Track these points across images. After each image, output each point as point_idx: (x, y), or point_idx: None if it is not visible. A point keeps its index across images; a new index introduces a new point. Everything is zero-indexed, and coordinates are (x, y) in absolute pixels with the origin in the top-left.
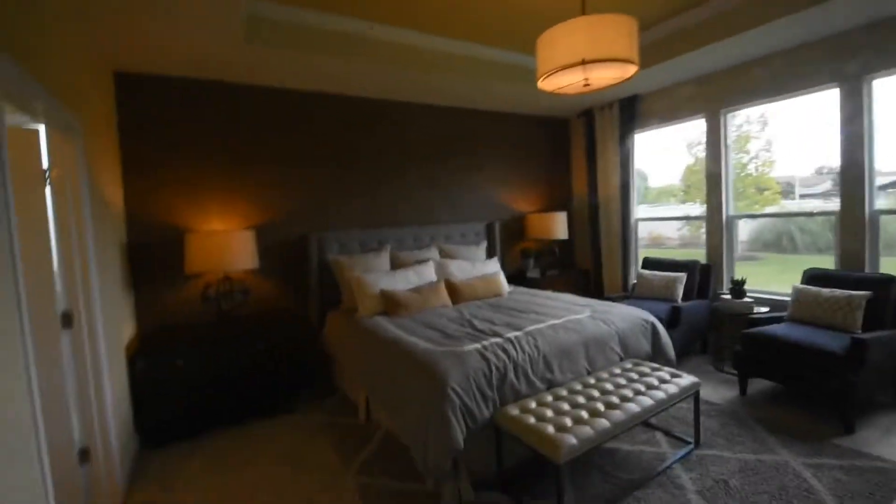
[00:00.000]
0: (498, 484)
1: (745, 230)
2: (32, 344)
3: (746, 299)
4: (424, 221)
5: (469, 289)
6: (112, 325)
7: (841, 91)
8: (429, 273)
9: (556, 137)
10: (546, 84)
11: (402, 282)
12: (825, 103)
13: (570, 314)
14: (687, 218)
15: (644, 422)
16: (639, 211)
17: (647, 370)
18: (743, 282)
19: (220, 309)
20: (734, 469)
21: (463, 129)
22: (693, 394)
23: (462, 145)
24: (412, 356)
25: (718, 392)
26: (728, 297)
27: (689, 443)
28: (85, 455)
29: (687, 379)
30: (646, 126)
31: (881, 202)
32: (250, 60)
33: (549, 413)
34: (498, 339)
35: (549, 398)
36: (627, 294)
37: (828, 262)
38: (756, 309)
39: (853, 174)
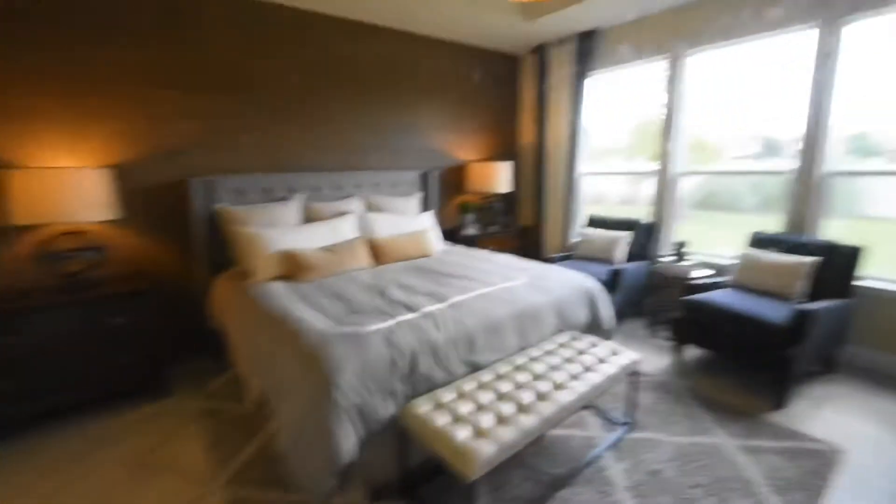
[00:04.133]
0: (400, 491)
1: (685, 188)
2: None
3: (687, 262)
4: (349, 167)
5: (393, 247)
6: None
7: (820, 34)
8: (347, 228)
9: (506, 76)
10: None
11: (312, 238)
12: (768, 63)
13: (505, 281)
14: (635, 174)
15: None
16: (585, 165)
17: (584, 346)
18: (684, 244)
19: (64, 271)
20: (668, 456)
21: (402, 58)
22: (633, 371)
23: (399, 77)
24: (297, 339)
25: (652, 360)
26: (668, 258)
27: (623, 424)
28: None
29: (626, 356)
30: (603, 67)
31: (835, 165)
32: None
33: (468, 408)
34: (413, 315)
35: (471, 386)
36: (569, 254)
37: (760, 222)
38: (697, 272)
39: (814, 134)
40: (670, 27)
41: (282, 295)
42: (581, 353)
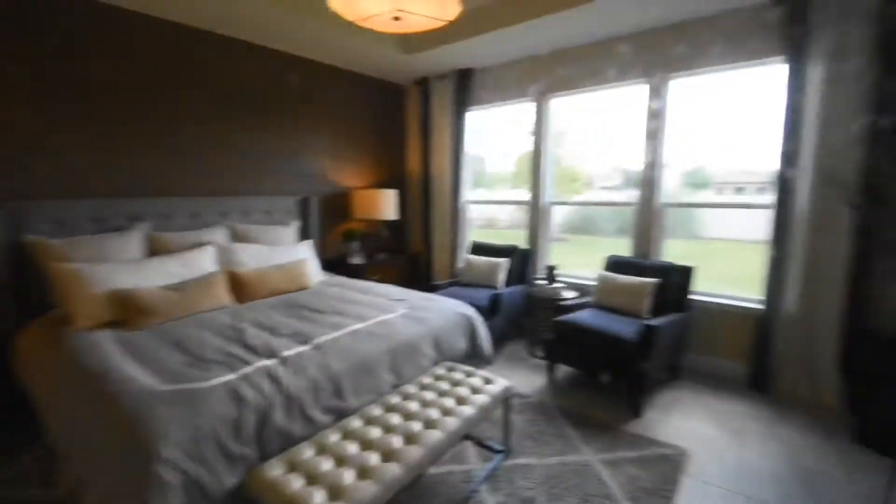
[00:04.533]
0: None
1: (558, 214)
2: None
3: (557, 284)
4: (213, 191)
5: (261, 282)
6: None
7: (650, 87)
8: (204, 262)
9: (392, 106)
10: (341, 5)
11: (157, 275)
12: (620, 107)
13: (381, 313)
14: (512, 202)
15: None
16: (470, 193)
17: (460, 376)
18: (555, 268)
19: None
20: (541, 479)
21: (282, 78)
22: (506, 397)
23: (282, 99)
24: (114, 403)
25: (530, 380)
26: (542, 282)
27: (499, 451)
28: None
29: (499, 385)
30: (480, 104)
31: (670, 197)
32: None
33: (327, 465)
34: (269, 363)
35: (335, 437)
36: (456, 280)
37: (619, 245)
38: (566, 294)
39: (651, 170)
40: (534, 73)
41: (105, 348)
42: (456, 384)
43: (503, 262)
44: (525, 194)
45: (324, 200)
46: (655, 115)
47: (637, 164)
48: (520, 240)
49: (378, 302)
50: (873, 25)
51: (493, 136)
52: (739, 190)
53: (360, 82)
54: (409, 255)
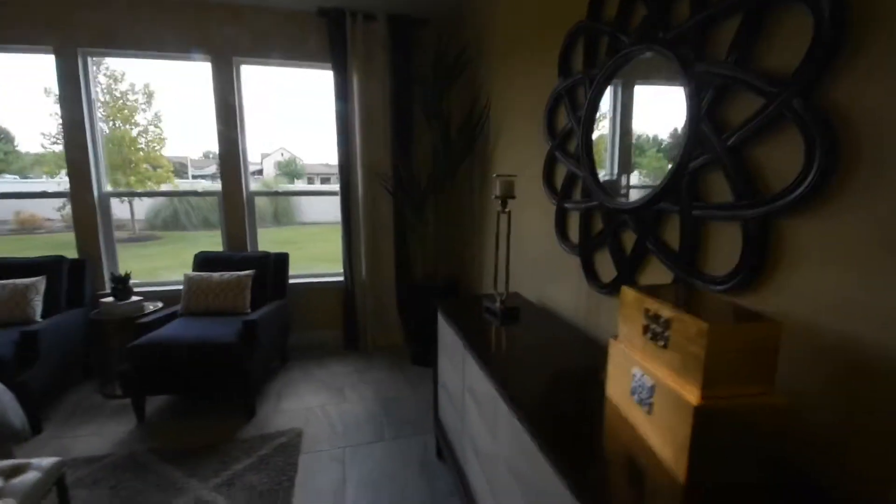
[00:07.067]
0: None
1: (141, 209)
2: None
3: (135, 298)
4: None
5: None
6: None
7: (213, 67)
8: None
9: None
10: None
11: None
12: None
13: None
14: (46, 195)
15: None
16: None
17: None
18: (127, 277)
19: None
20: None
21: None
22: (58, 479)
23: None
24: None
25: (110, 431)
26: (110, 298)
27: None
28: None
29: (38, 468)
30: None
31: (255, 185)
32: None
33: None
34: None
35: None
36: None
37: (218, 239)
38: (149, 307)
39: (232, 157)
40: (52, 14)
41: None
42: None
43: (34, 284)
44: (68, 184)
45: None
46: (226, 97)
47: (217, 150)
48: (54, 256)
49: None
50: (387, 53)
51: (21, 97)
52: (325, 180)
53: None
54: None
